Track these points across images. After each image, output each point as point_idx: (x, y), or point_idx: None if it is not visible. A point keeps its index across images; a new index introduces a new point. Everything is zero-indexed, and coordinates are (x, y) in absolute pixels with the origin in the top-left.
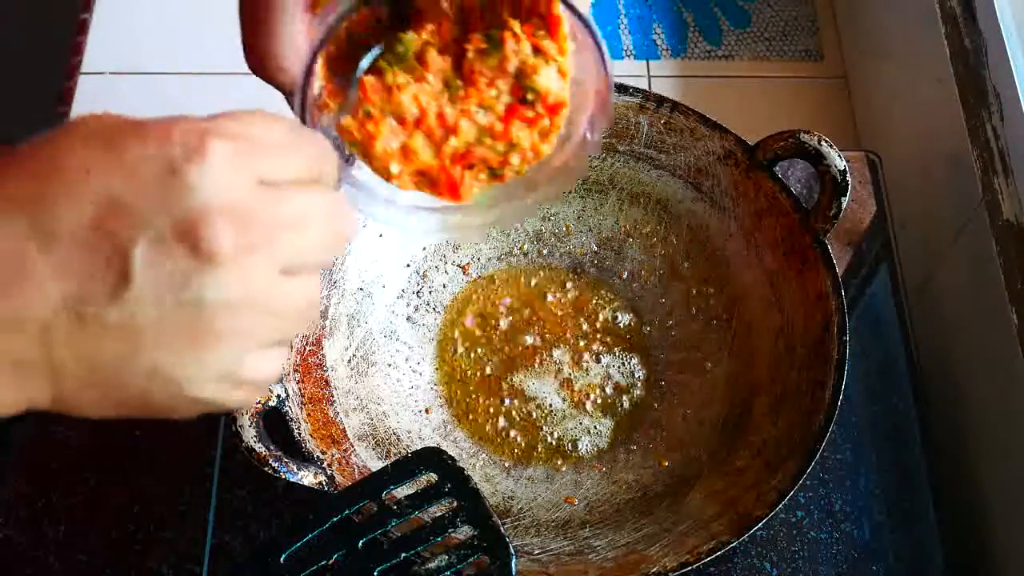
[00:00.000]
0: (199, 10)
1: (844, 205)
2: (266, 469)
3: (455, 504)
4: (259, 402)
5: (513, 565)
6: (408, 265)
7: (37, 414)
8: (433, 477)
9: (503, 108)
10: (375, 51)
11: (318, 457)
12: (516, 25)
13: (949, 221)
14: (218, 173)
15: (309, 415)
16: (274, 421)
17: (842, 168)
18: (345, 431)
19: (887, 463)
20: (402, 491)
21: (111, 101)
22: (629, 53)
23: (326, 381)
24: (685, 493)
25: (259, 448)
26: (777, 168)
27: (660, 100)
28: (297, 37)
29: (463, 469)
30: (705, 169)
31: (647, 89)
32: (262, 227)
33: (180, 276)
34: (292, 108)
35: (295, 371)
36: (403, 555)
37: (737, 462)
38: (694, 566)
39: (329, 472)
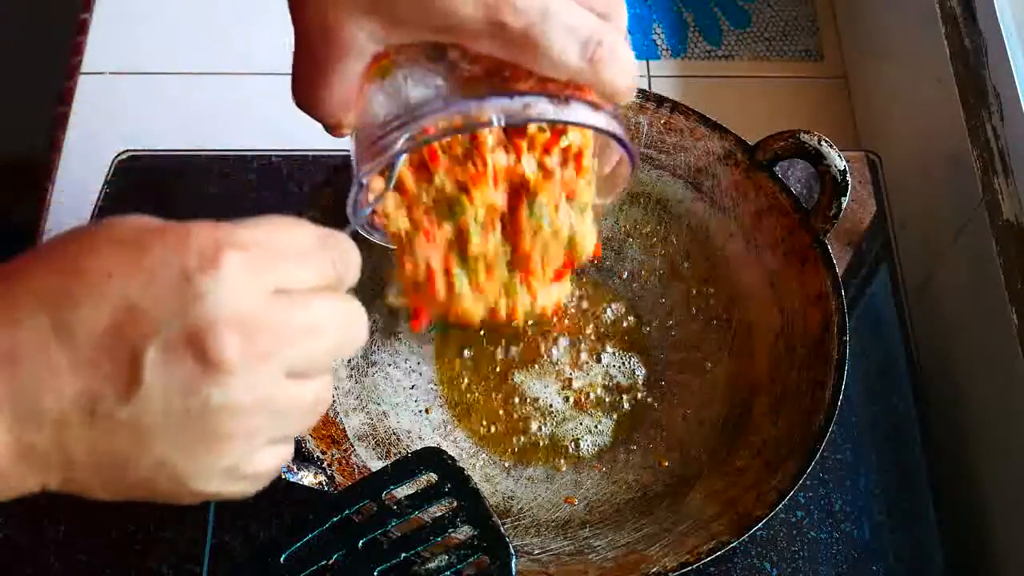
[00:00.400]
0: (199, 10)
1: (844, 205)
2: None
3: (455, 504)
4: None
5: (513, 565)
6: None
7: None
8: (433, 477)
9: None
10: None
11: (318, 457)
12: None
13: (949, 221)
14: (230, 283)
15: None
16: None
17: (842, 168)
18: (345, 431)
19: (887, 463)
20: (402, 491)
21: (111, 101)
22: None
23: None
24: (685, 493)
25: None
26: (777, 168)
27: (660, 100)
28: (351, 90)
29: (463, 469)
30: (705, 169)
31: (647, 89)
32: (270, 335)
33: (188, 381)
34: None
35: None
36: (403, 555)
37: (737, 462)
38: (694, 566)
39: (329, 472)
